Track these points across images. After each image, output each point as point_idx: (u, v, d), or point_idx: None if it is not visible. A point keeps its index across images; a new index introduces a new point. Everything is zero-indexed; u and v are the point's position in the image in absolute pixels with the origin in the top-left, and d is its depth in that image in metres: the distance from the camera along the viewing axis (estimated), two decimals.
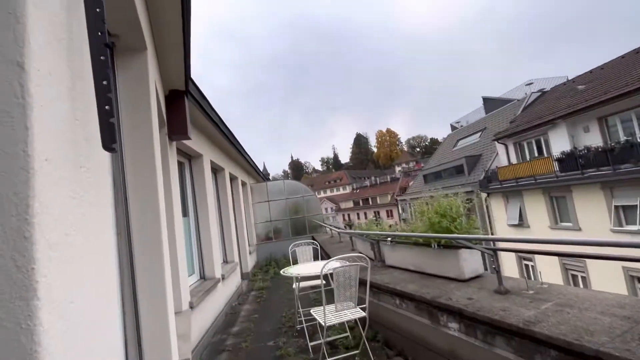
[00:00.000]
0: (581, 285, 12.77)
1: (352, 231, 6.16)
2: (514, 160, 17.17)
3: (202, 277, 5.51)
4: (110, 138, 0.64)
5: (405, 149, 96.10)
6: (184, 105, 3.63)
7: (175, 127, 3.53)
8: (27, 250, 0.42)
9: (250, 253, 9.90)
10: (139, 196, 2.06)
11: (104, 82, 0.65)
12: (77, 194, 0.57)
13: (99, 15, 0.66)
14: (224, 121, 6.15)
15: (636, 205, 10.93)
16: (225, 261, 7.43)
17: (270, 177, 27.85)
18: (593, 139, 13.10)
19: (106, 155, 0.79)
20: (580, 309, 2.15)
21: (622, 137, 11.91)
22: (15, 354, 0.41)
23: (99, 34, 0.66)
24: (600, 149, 11.93)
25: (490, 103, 26.95)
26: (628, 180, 10.94)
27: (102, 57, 0.65)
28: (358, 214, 55.10)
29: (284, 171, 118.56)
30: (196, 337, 4.19)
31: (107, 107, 0.64)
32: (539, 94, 20.13)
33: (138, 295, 1.81)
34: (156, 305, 2.02)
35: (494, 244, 3.09)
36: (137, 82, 2.13)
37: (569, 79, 19.88)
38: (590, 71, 16.89)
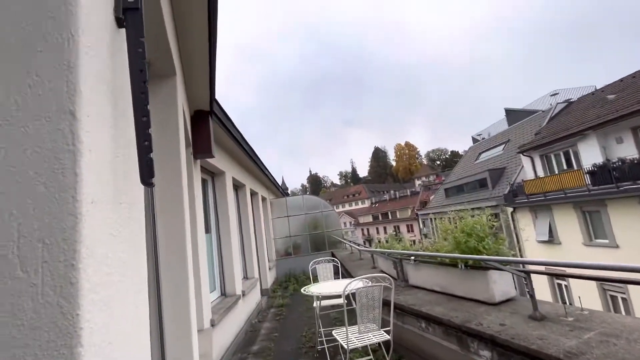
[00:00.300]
0: (622, 308, 11.85)
1: (374, 249, 6.04)
2: (540, 173, 16.48)
3: (223, 293, 5.52)
4: (149, 173, 0.65)
5: (425, 162, 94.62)
6: (208, 125, 3.74)
7: (199, 146, 3.63)
8: (73, 297, 0.42)
9: (269, 269, 9.88)
10: (166, 216, 2.11)
11: (144, 119, 0.67)
12: (117, 231, 0.58)
13: (141, 54, 0.69)
14: (246, 139, 6.29)
15: None
16: (246, 277, 7.44)
17: (289, 192, 28.03)
18: (627, 150, 12.40)
19: (141, 188, 0.81)
20: (629, 340, 1.97)
21: None
22: None
23: (140, 72, 0.69)
24: (636, 161, 11.26)
25: (513, 115, 26.25)
26: None
27: (142, 94, 0.68)
28: (377, 229, 54.16)
29: (303, 185, 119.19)
30: (217, 356, 4.16)
31: (146, 142, 0.66)
32: (565, 104, 19.44)
33: (164, 317, 1.82)
34: (180, 326, 2.02)
35: (525, 266, 2.92)
36: (166, 105, 2.21)
37: (597, 88, 19.12)
38: (621, 80, 16.20)
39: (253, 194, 9.25)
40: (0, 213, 0.41)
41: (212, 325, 3.97)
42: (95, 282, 0.45)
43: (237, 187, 7.70)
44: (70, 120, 0.45)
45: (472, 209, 3.79)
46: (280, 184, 13.85)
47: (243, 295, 5.90)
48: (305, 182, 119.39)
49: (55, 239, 0.42)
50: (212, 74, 2.97)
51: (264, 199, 10.94)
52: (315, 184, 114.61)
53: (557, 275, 2.98)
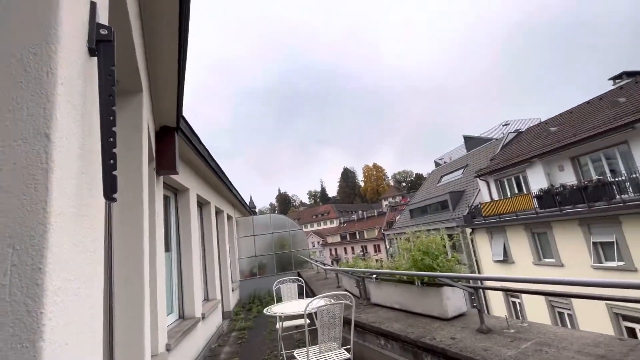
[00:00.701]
0: (568, 323, 12.73)
1: (337, 268, 6.11)
2: (495, 196, 17.70)
3: (182, 316, 5.27)
4: (111, 189, 0.70)
5: (392, 183, 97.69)
6: (174, 141, 3.72)
7: (163, 162, 3.58)
8: (38, 296, 0.47)
9: (232, 290, 9.55)
10: (124, 232, 2.07)
11: (110, 139, 0.73)
12: (79, 241, 0.63)
13: (111, 81, 0.76)
14: (212, 155, 6.24)
15: (613, 242, 11.29)
16: (207, 299, 7.14)
17: (257, 210, 27.57)
18: (568, 177, 13.76)
19: (103, 202, 0.85)
20: (559, 348, 2.19)
21: (594, 176, 12.58)
22: None
23: (109, 97, 0.75)
24: (575, 187, 12.50)
25: (471, 141, 28.22)
26: (603, 218, 11.40)
27: (110, 117, 0.74)
28: (345, 249, 54.33)
29: (271, 204, 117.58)
30: None
31: (111, 161, 0.71)
32: (515, 134, 21.30)
33: (115, 338, 1.76)
34: (133, 348, 1.95)
35: (480, 283, 3.14)
36: (130, 121, 2.22)
37: (542, 120, 21.23)
38: (561, 114, 18.16)
39: (218, 212, 9.05)
40: None
41: (168, 350, 3.78)
42: (57, 285, 0.51)
43: (202, 204, 7.52)
44: (45, 142, 0.51)
45: (434, 229, 4.02)
46: (247, 203, 13.65)
47: (203, 318, 5.66)
48: (274, 201, 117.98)
49: (24, 245, 0.47)
50: (180, 91, 3.00)
51: (229, 217, 10.71)
52: (284, 203, 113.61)
53: (501, 289, 3.21)
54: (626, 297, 2.22)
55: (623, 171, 11.86)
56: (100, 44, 0.76)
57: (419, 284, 3.45)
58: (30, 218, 0.48)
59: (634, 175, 11.17)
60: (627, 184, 11.36)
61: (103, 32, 0.79)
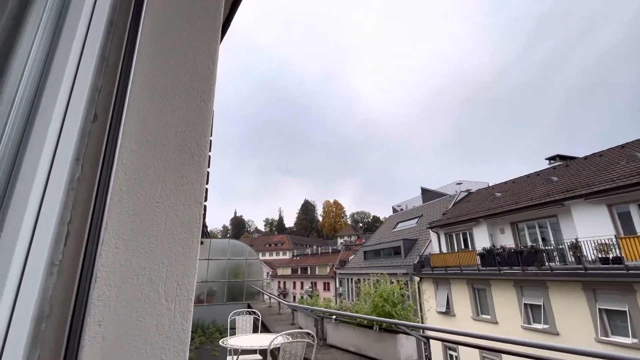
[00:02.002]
0: None
1: (298, 305, 6.14)
2: (444, 248, 18.86)
3: None
4: (204, 235, 0.91)
5: (349, 222, 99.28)
6: None
7: None
8: (188, 319, 0.66)
9: None
10: None
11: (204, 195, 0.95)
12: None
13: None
14: None
15: (540, 305, 12.46)
16: None
17: (208, 230, 26.45)
18: (507, 240, 15.24)
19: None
20: None
21: (529, 242, 14.08)
22: None
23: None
24: (512, 250, 13.83)
25: (427, 194, 30.23)
26: (534, 282, 12.64)
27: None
28: (294, 283, 52.99)
29: (224, 226, 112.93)
30: None
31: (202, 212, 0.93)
32: (466, 193, 23.30)
33: None
34: None
35: (424, 332, 3.45)
36: None
37: (489, 185, 23.57)
38: (505, 182, 20.36)
39: None
40: (157, 262, 0.65)
41: None
42: (189, 317, 0.70)
43: None
44: (199, 208, 0.73)
45: (388, 273, 4.34)
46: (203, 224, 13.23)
47: None
48: (227, 224, 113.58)
49: (184, 281, 0.67)
50: None
51: None
52: (239, 227, 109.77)
53: (450, 342, 3.52)
54: (547, 358, 2.62)
55: (552, 241, 13.46)
56: None
57: (377, 329, 3.68)
58: (188, 262, 0.68)
59: (560, 247, 12.72)
60: (555, 253, 12.86)
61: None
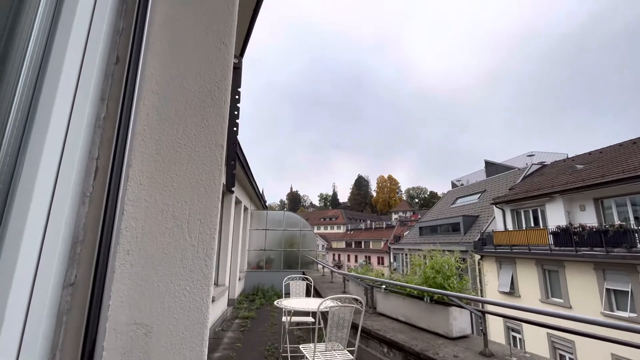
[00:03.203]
0: None
1: (348, 273, 6.27)
2: (510, 226, 17.42)
3: None
4: (232, 183, 0.92)
5: (404, 198, 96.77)
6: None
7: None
8: (210, 260, 0.69)
9: (239, 279, 9.84)
10: None
11: (234, 145, 0.95)
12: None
13: (237, 100, 0.99)
14: (242, 149, 6.53)
15: (627, 292, 10.97)
16: (216, 284, 7.43)
17: (267, 205, 27.98)
18: (588, 218, 13.45)
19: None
20: None
21: (617, 221, 12.25)
22: None
23: (235, 112, 0.98)
24: (594, 230, 12.21)
25: (491, 167, 27.79)
26: (620, 265, 11.10)
27: (234, 128, 0.96)
28: (349, 256, 54.18)
29: (281, 201, 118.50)
30: None
31: (232, 162, 0.93)
32: (539, 166, 20.88)
33: None
34: None
35: (484, 306, 3.26)
36: None
37: (569, 157, 20.74)
38: (590, 153, 17.72)
39: (237, 202, 9.36)
40: (180, 200, 0.68)
41: None
42: (213, 255, 0.72)
43: (224, 193, 7.83)
44: (220, 150, 0.73)
45: (448, 250, 4.14)
46: (262, 196, 13.97)
47: (213, 301, 5.93)
48: (284, 198, 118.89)
49: (206, 219, 0.69)
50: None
51: (246, 208, 11.03)
52: (295, 202, 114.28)
53: (509, 317, 3.25)
54: (631, 343, 2.30)
55: None
56: (233, 70, 0.98)
57: (428, 300, 3.59)
58: (210, 202, 0.69)
59: None
60: None
61: (235, 60, 1.01)
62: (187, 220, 0.66)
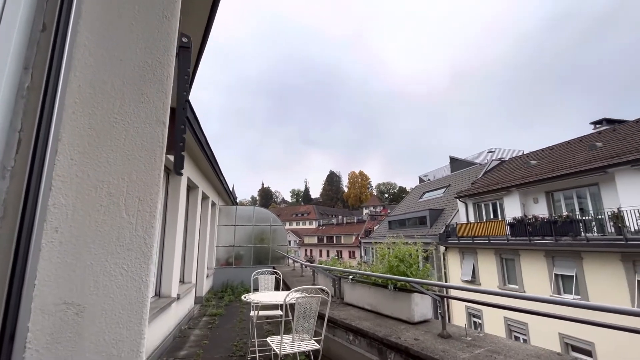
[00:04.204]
0: None
1: (316, 265, 6.33)
2: (472, 218, 18.39)
3: (158, 294, 5.35)
4: (180, 165, 0.90)
5: (375, 193, 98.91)
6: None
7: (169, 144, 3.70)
8: (151, 234, 0.67)
9: (207, 276, 9.60)
10: None
11: (182, 126, 0.92)
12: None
13: (186, 80, 0.96)
14: (208, 141, 6.34)
15: (572, 276, 12.02)
16: (182, 281, 7.20)
17: (238, 201, 27.40)
18: (541, 209, 14.52)
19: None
20: (506, 356, 2.48)
21: (565, 212, 13.34)
22: None
23: (184, 93, 0.95)
24: (545, 220, 13.21)
25: (456, 163, 29.11)
26: (567, 252, 12.11)
27: (183, 108, 0.94)
28: (320, 251, 54.61)
29: (252, 197, 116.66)
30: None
31: (181, 143, 0.91)
32: (498, 162, 22.18)
33: None
34: None
35: (446, 292, 3.43)
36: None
37: (524, 153, 22.22)
38: (542, 150, 19.08)
39: (204, 197, 9.10)
40: (116, 177, 0.65)
41: None
42: (153, 233, 0.70)
43: (190, 188, 7.58)
44: (162, 127, 0.71)
45: (412, 242, 4.29)
46: (231, 192, 13.67)
47: (178, 298, 5.75)
48: (255, 194, 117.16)
49: (146, 197, 0.67)
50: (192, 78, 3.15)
51: (213, 204, 10.75)
52: (266, 198, 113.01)
53: (467, 300, 3.44)
54: (575, 318, 2.52)
55: (591, 211, 12.66)
56: (181, 49, 0.95)
57: (392, 288, 3.72)
58: (150, 180, 0.67)
59: (600, 217, 11.95)
60: (593, 223, 12.14)
61: (184, 39, 0.98)
62: (125, 197, 0.63)
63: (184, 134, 0.92)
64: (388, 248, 4.16)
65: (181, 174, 1.03)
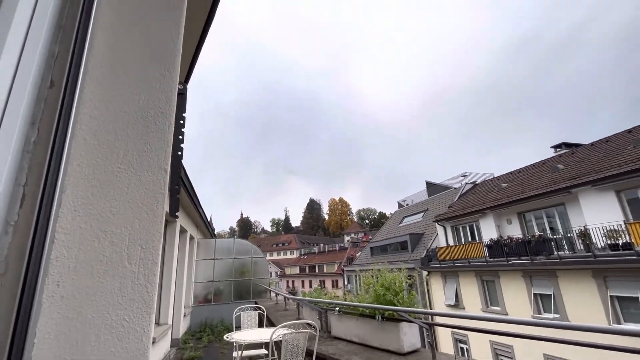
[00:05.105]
0: None
1: (301, 298, 6.15)
2: (451, 241, 18.73)
3: None
4: (175, 209, 0.90)
5: (356, 219, 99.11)
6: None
7: None
8: (152, 283, 0.66)
9: (184, 316, 9.06)
10: None
11: (178, 169, 0.94)
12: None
13: (182, 124, 0.99)
14: (187, 173, 6.25)
15: (550, 295, 12.31)
16: (158, 323, 6.75)
17: (216, 233, 26.59)
18: (514, 230, 15.07)
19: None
20: None
21: (536, 232, 13.90)
22: None
23: (180, 137, 0.97)
24: (520, 240, 13.68)
25: (432, 187, 30.02)
26: (542, 271, 12.49)
27: (179, 152, 0.96)
28: (303, 282, 53.12)
29: (231, 228, 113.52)
30: None
31: (176, 187, 0.92)
32: (472, 185, 23.10)
33: None
34: None
35: (432, 319, 3.43)
36: None
37: (495, 176, 23.33)
38: (511, 172, 20.14)
39: (182, 231, 8.79)
40: (119, 226, 0.65)
41: None
42: (155, 281, 0.70)
43: (168, 222, 7.33)
44: (163, 174, 0.73)
45: (396, 268, 4.32)
46: (209, 223, 13.30)
47: (153, 342, 5.36)
48: (234, 225, 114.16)
49: (148, 245, 0.67)
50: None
51: (192, 237, 10.39)
52: (245, 228, 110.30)
53: (455, 327, 3.44)
54: (555, 339, 2.59)
55: (560, 229, 13.27)
56: (178, 96, 0.99)
57: (380, 318, 3.67)
58: (152, 227, 0.68)
59: (569, 235, 12.54)
60: (563, 242, 12.69)
61: (180, 87, 1.02)
62: (127, 246, 0.64)
63: (180, 176, 0.93)
64: (372, 276, 4.15)
65: (177, 217, 1.01)
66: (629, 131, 14.21)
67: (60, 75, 0.64)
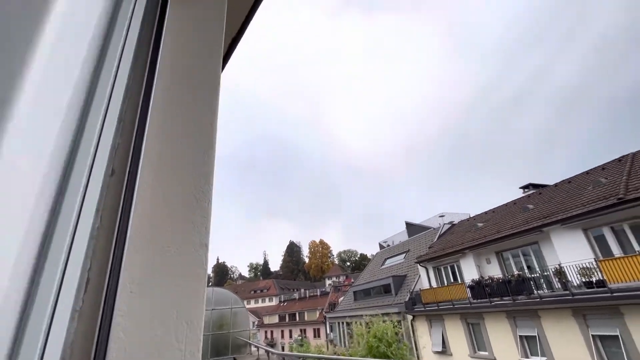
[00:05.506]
0: None
1: (287, 352, 5.81)
2: (434, 283, 18.63)
3: None
4: None
5: (337, 261, 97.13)
6: None
7: None
8: None
9: None
10: None
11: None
12: None
13: None
14: None
15: (535, 336, 12.27)
16: None
17: None
18: (494, 270, 15.31)
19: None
20: None
21: (515, 271, 14.19)
22: None
23: None
24: (501, 280, 13.85)
25: (412, 228, 30.45)
26: (525, 311, 12.55)
27: None
28: (282, 332, 49.98)
29: (207, 275, 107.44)
30: None
31: None
32: (450, 225, 23.65)
33: None
34: None
35: None
36: None
37: (471, 216, 24.11)
38: (486, 212, 20.93)
39: None
40: (168, 303, 0.69)
41: None
42: (199, 357, 0.72)
43: None
44: (204, 250, 0.78)
45: (384, 313, 4.25)
46: None
47: None
48: (210, 271, 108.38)
49: (193, 322, 0.70)
50: None
51: None
52: (221, 275, 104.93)
53: None
54: None
55: (537, 267, 13.63)
56: None
57: None
58: (196, 303, 0.72)
59: (546, 273, 12.88)
60: (541, 280, 12.98)
61: None
62: (175, 324, 0.67)
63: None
64: (361, 324, 4.05)
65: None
66: (587, 173, 15.43)
67: (120, 163, 0.71)
